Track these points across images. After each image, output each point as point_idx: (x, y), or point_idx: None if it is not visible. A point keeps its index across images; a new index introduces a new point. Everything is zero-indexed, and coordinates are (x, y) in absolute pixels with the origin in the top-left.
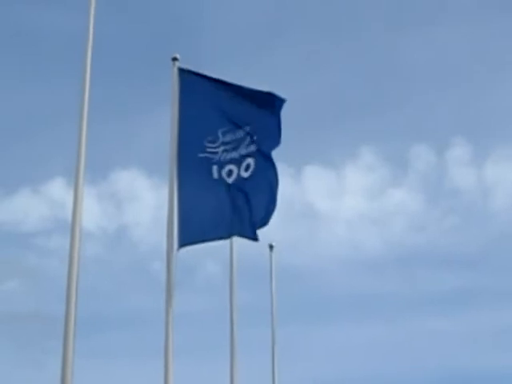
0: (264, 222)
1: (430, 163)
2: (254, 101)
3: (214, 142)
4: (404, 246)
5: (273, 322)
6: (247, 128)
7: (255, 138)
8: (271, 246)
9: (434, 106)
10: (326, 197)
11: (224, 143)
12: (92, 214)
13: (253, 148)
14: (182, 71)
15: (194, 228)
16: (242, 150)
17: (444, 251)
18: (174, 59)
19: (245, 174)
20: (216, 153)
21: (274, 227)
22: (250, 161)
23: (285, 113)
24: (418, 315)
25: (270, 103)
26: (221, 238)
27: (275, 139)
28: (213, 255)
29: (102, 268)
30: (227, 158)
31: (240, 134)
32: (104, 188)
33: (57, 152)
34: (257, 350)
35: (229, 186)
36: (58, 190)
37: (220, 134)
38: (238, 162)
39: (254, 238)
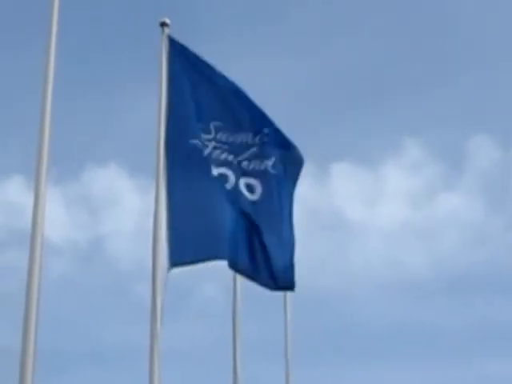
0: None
1: (494, 160)
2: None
3: (205, 132)
4: (458, 267)
5: (287, 360)
6: (249, 136)
7: (264, 152)
8: None
9: (500, 85)
10: (358, 203)
11: (216, 140)
12: (59, 222)
13: (259, 166)
14: (172, 42)
15: (189, 243)
16: (243, 162)
17: (511, 273)
18: (163, 25)
19: (249, 196)
20: (206, 146)
21: None
22: (254, 182)
23: (304, 94)
24: (477, 355)
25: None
26: (222, 257)
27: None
28: (212, 276)
29: (71, 291)
30: (221, 157)
31: (239, 139)
32: (74, 190)
33: (13, 142)
34: None
35: (227, 192)
36: (15, 191)
37: (212, 128)
38: (235, 169)
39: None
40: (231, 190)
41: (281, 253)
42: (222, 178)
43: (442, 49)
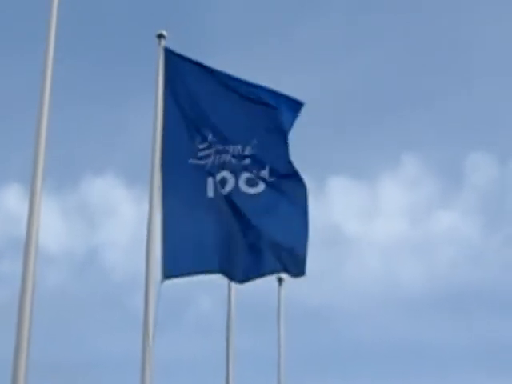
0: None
1: (491, 177)
2: (257, 105)
3: (203, 142)
4: (454, 284)
5: (279, 375)
6: (239, 148)
7: (256, 163)
8: (280, 280)
9: (499, 102)
10: (355, 218)
11: (216, 142)
12: (55, 231)
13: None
14: (169, 52)
15: (182, 256)
16: (240, 160)
17: (507, 290)
18: (160, 36)
19: (249, 190)
20: (209, 156)
21: None
22: (254, 178)
23: (304, 109)
24: (472, 372)
25: (280, 108)
26: (215, 271)
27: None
28: (207, 289)
29: (66, 302)
30: (221, 160)
31: (231, 149)
32: (71, 199)
33: (13, 150)
34: None
35: (224, 199)
36: (12, 199)
37: (210, 133)
38: (234, 168)
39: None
40: (230, 192)
41: (289, 240)
42: (223, 182)
43: (441, 67)
